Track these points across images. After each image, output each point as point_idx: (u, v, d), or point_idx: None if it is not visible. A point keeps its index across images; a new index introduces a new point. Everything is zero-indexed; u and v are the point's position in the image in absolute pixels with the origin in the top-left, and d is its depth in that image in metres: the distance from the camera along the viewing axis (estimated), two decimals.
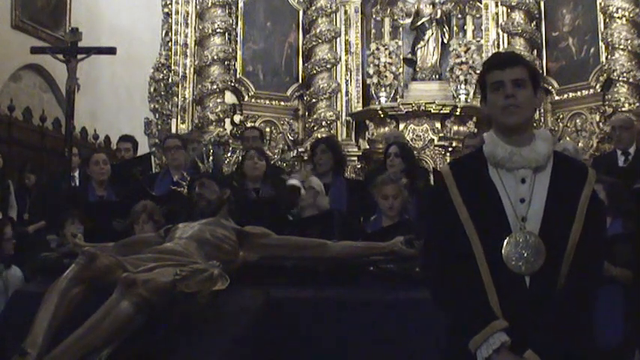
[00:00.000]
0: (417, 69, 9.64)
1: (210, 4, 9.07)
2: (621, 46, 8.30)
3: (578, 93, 8.95)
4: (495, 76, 2.18)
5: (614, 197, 3.98)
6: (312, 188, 4.62)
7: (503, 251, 2.10)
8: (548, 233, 2.11)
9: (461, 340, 2.06)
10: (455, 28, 9.78)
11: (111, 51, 7.08)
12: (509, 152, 2.16)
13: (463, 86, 8.96)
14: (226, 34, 9.16)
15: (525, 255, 2.08)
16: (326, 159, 5.38)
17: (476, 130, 8.58)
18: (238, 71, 9.34)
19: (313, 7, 9.51)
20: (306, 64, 9.50)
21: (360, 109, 9.54)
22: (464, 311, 2.09)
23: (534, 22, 9.27)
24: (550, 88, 9.16)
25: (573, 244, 2.10)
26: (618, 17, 8.35)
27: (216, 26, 8.98)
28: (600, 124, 8.54)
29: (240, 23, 9.43)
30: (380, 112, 9.12)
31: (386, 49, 9.23)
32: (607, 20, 8.52)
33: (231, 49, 9.13)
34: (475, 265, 2.11)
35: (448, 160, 8.17)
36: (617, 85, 8.32)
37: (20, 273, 5.11)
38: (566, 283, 2.08)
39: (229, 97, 9.21)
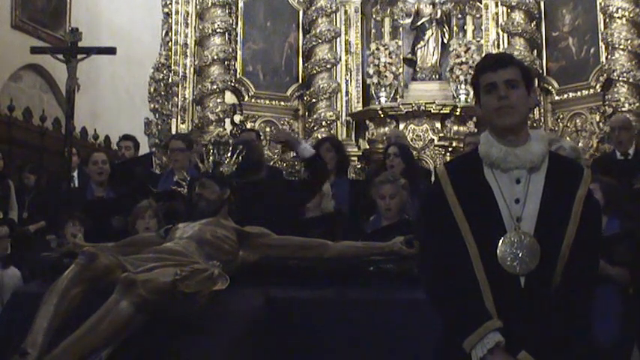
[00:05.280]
0: (417, 69, 9.65)
1: (210, 4, 9.08)
2: (621, 46, 8.31)
3: (578, 93, 8.96)
4: (488, 77, 2.18)
5: (610, 197, 3.98)
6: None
7: (498, 251, 2.10)
8: (543, 233, 2.11)
9: (456, 340, 2.07)
10: (455, 28, 9.80)
11: (111, 51, 7.08)
12: (503, 153, 2.17)
13: (463, 86, 8.97)
14: (226, 34, 9.17)
15: (520, 255, 2.09)
16: (330, 158, 5.38)
17: (476, 130, 8.59)
18: (238, 71, 9.35)
19: (313, 7, 9.52)
20: (306, 64, 9.51)
21: (360, 109, 9.55)
22: (459, 311, 2.09)
23: (534, 22, 9.28)
24: (550, 88, 9.18)
25: (568, 244, 2.10)
26: (618, 17, 8.36)
27: (216, 26, 9.00)
28: (600, 124, 8.55)
29: (240, 23, 9.44)
30: (380, 112, 9.13)
31: (386, 49, 9.24)
32: (607, 20, 8.53)
33: (231, 49, 9.14)
34: (470, 265, 2.11)
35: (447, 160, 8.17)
36: (617, 85, 8.33)
37: (18, 273, 5.10)
38: (561, 283, 2.09)
39: (229, 97, 9.22)
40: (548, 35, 9.29)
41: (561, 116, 9.13)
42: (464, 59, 9.02)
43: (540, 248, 2.09)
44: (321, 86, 9.31)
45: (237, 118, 9.28)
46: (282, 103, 9.62)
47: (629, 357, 3.69)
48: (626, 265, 3.68)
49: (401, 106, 9.01)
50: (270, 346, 3.26)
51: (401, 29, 9.91)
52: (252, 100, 9.44)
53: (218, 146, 8.35)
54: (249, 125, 9.11)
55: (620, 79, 8.28)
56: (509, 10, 9.30)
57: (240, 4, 9.45)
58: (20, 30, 9.10)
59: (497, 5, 9.44)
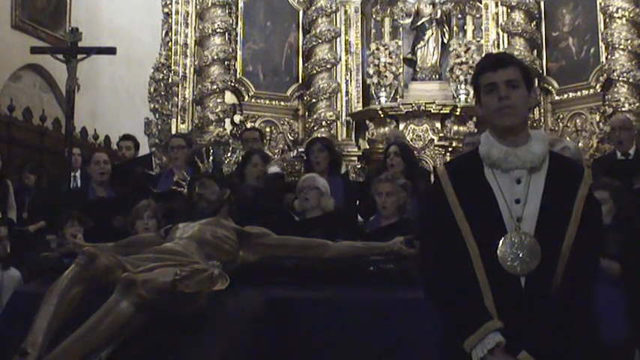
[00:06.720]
0: (417, 69, 9.65)
1: (210, 4, 9.08)
2: (621, 46, 8.31)
3: (578, 93, 8.96)
4: (488, 77, 2.18)
5: (621, 204, 3.93)
6: (317, 189, 4.61)
7: (498, 252, 2.10)
8: (543, 234, 2.11)
9: (456, 341, 2.07)
10: (455, 28, 9.80)
11: (111, 51, 7.07)
12: (504, 153, 2.16)
13: (463, 86, 8.97)
14: (226, 34, 9.17)
15: (521, 255, 2.08)
16: (322, 158, 5.44)
17: (476, 130, 8.59)
18: (238, 71, 9.35)
19: (313, 7, 9.52)
20: (306, 64, 9.51)
21: (360, 109, 9.56)
22: (459, 311, 2.09)
23: (534, 22, 9.29)
24: (550, 88, 9.18)
25: (568, 244, 2.10)
26: (618, 17, 8.36)
27: (216, 26, 8.99)
28: (600, 124, 8.55)
29: (240, 23, 9.44)
30: (380, 112, 9.13)
31: (386, 49, 9.24)
32: (607, 20, 8.53)
33: (231, 49, 9.13)
34: (470, 265, 2.11)
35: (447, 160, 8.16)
36: (617, 85, 8.33)
37: (18, 274, 5.08)
38: (561, 283, 2.09)
39: (229, 97, 9.21)
40: (548, 35, 9.29)
41: (561, 116, 9.13)
42: (464, 59, 9.02)
43: (541, 248, 2.09)
44: (321, 86, 9.31)
45: (237, 118, 9.27)
46: (282, 103, 9.62)
47: (632, 358, 3.69)
48: (616, 258, 3.66)
49: (401, 106, 9.01)
50: (269, 346, 3.26)
51: (401, 29, 9.91)
52: (252, 100, 9.43)
53: (218, 146, 8.38)
54: (249, 125, 9.10)
55: (620, 79, 8.28)
56: (509, 10, 9.30)
57: (240, 4, 9.45)
58: (20, 30, 9.10)
59: (497, 5, 9.44)
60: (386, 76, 9.17)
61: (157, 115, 9.06)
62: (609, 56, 8.46)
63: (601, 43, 8.64)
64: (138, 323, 2.89)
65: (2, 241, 5.13)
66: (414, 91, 9.45)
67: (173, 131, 8.70)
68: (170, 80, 9.06)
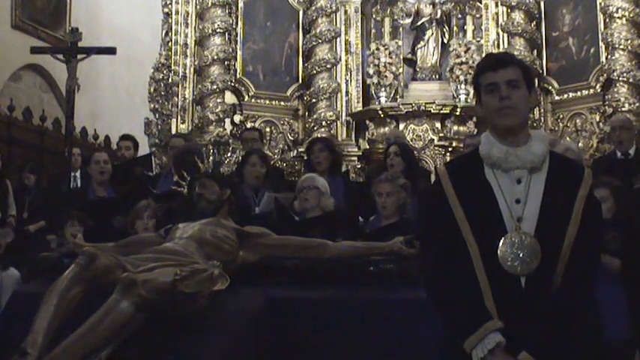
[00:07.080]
0: (417, 69, 9.64)
1: (210, 4, 9.07)
2: (621, 46, 8.30)
3: (578, 93, 8.95)
4: (489, 77, 2.18)
5: (622, 203, 3.92)
6: (316, 188, 4.61)
7: (498, 252, 2.10)
8: (543, 234, 2.11)
9: (456, 340, 2.07)
10: (455, 28, 9.79)
11: (111, 51, 7.07)
12: (504, 153, 2.17)
13: (463, 86, 8.97)
14: (226, 34, 9.16)
15: (521, 255, 2.09)
16: (323, 157, 5.44)
17: (476, 131, 8.59)
18: (238, 71, 9.34)
19: (313, 7, 9.51)
20: (306, 64, 9.51)
21: (360, 109, 9.55)
22: (459, 311, 2.09)
23: (534, 22, 9.28)
24: (550, 88, 9.17)
25: (569, 244, 2.10)
26: (618, 17, 8.35)
27: (216, 26, 8.99)
28: (600, 124, 8.55)
29: (240, 23, 9.43)
30: (380, 112, 9.12)
31: (386, 49, 9.24)
32: (607, 20, 8.52)
33: (231, 49, 9.13)
34: (471, 265, 2.11)
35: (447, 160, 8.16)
36: (617, 85, 8.33)
37: (17, 274, 5.09)
38: (561, 283, 2.09)
39: (229, 97, 9.21)
40: (548, 35, 9.28)
41: (561, 116, 9.12)
42: (464, 59, 9.01)
43: (541, 248, 2.09)
44: (321, 86, 9.31)
45: (237, 118, 9.27)
46: (282, 103, 9.61)
47: (633, 358, 3.68)
48: (616, 255, 3.66)
49: (401, 106, 9.00)
50: (270, 346, 3.26)
51: (401, 29, 9.90)
52: (252, 100, 9.43)
53: (218, 146, 8.38)
54: (249, 125, 9.10)
55: (620, 79, 8.28)
56: (509, 10, 9.29)
57: (240, 4, 9.44)
58: (20, 30, 9.11)
59: (497, 5, 9.43)
60: (386, 76, 9.16)
61: (157, 115, 9.05)
62: (609, 56, 8.45)
63: (601, 43, 8.63)
64: (138, 323, 2.89)
65: (7, 227, 5.15)
66: (414, 91, 9.44)
67: (173, 131, 8.70)
68: (170, 80, 9.06)
